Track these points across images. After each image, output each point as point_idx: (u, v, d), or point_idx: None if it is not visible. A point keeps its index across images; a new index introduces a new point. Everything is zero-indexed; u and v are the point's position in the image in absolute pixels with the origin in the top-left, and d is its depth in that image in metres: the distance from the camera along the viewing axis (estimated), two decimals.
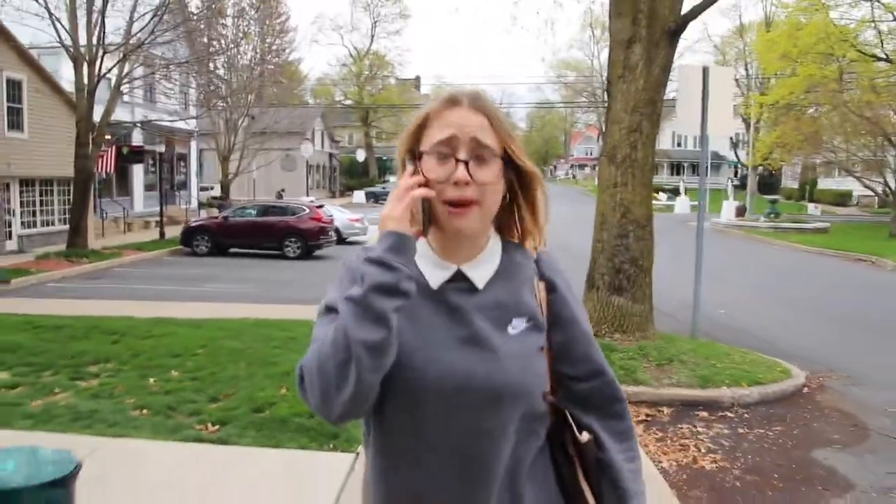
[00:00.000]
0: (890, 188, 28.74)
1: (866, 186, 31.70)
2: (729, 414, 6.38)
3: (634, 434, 1.58)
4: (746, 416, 6.35)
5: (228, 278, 16.26)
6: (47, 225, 23.26)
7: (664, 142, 76.75)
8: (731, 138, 62.24)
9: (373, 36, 65.55)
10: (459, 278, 1.44)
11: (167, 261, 20.48)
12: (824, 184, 51.26)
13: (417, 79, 77.89)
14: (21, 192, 21.95)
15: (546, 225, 1.51)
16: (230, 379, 6.63)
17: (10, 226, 21.31)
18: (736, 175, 61.12)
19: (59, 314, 10.08)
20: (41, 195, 22.99)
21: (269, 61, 33.58)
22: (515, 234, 1.52)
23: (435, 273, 1.44)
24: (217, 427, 5.37)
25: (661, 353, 7.36)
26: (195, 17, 23.55)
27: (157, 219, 27.54)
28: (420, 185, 1.36)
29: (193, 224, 23.00)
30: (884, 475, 5.11)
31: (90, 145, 19.68)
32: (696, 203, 35.34)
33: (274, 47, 35.14)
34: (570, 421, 1.50)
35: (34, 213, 22.74)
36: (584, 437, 1.49)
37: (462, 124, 1.38)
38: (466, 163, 1.36)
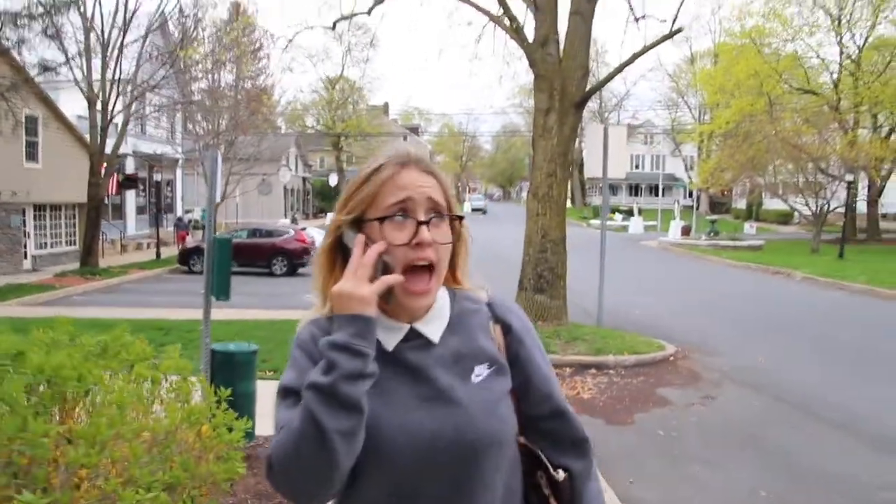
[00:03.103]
0: (811, 209, 32.10)
1: (792, 208, 35.12)
2: (611, 371, 9.36)
3: (595, 472, 1.60)
4: (622, 372, 9.34)
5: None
6: (56, 246, 25.84)
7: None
8: (684, 162, 66.30)
9: (343, 65, 68.54)
10: (414, 336, 1.42)
11: (168, 278, 23.12)
12: (770, 204, 54.96)
13: (386, 105, 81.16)
14: (35, 217, 24.56)
15: (467, 269, 1.53)
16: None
17: (25, 247, 23.88)
18: (690, 196, 64.42)
19: (113, 317, 12.83)
20: (52, 219, 25.59)
21: (244, 87, 35.88)
22: (449, 279, 1.50)
23: (388, 335, 1.41)
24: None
25: (569, 333, 10.40)
26: (177, 54, 26.21)
27: (149, 240, 30.26)
28: (384, 252, 1.35)
29: (190, 246, 25.71)
30: (695, 398, 8.12)
31: (102, 175, 22.41)
32: (650, 223, 38.56)
33: (248, 73, 37.44)
34: (545, 461, 1.51)
35: (45, 236, 25.32)
36: (560, 475, 1.51)
37: (416, 185, 1.37)
38: (427, 223, 1.35)
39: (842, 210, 31.05)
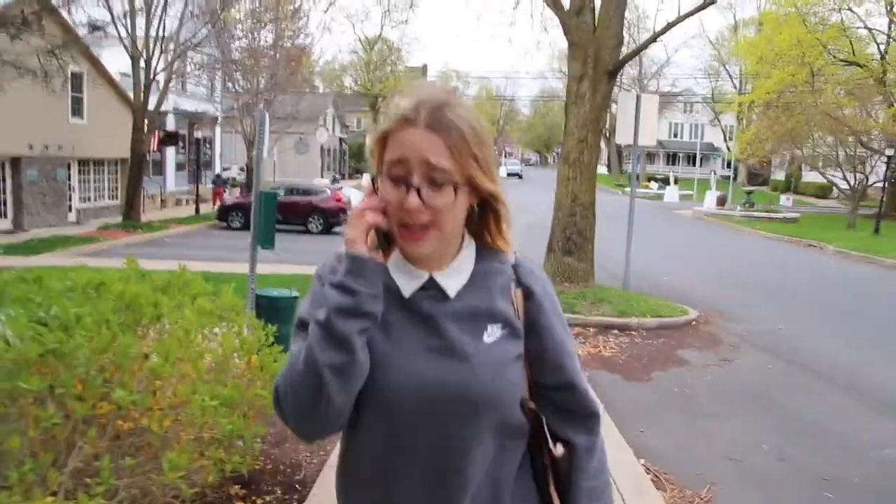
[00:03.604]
0: (849, 183, 31.83)
1: (830, 182, 34.79)
2: (633, 333, 9.69)
3: (602, 449, 1.60)
4: (644, 334, 9.67)
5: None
6: (99, 200, 26.61)
7: (662, 132, 79.67)
8: (724, 132, 65.58)
9: (382, 25, 68.60)
10: (432, 286, 1.43)
11: (208, 233, 23.75)
12: (808, 177, 54.36)
13: (424, 67, 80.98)
14: (79, 171, 25.30)
15: (509, 236, 1.49)
16: None
17: (70, 200, 24.65)
18: (729, 166, 63.77)
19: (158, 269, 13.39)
20: (95, 174, 26.32)
21: (283, 45, 36.23)
22: (487, 240, 1.49)
23: (407, 282, 1.43)
24: None
25: (595, 295, 10.72)
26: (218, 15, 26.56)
27: (188, 196, 30.96)
28: (377, 209, 1.35)
29: (229, 202, 26.31)
30: (712, 360, 8.45)
31: (144, 131, 23.01)
32: (686, 192, 38.45)
33: (288, 32, 37.77)
34: (546, 432, 1.51)
35: (89, 190, 26.08)
36: (559, 450, 1.52)
37: (415, 146, 1.33)
38: (419, 189, 1.33)
39: (881, 185, 30.77)
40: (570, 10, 10.96)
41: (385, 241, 1.39)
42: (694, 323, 10.43)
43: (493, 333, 1.42)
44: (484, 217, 1.46)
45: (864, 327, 10.76)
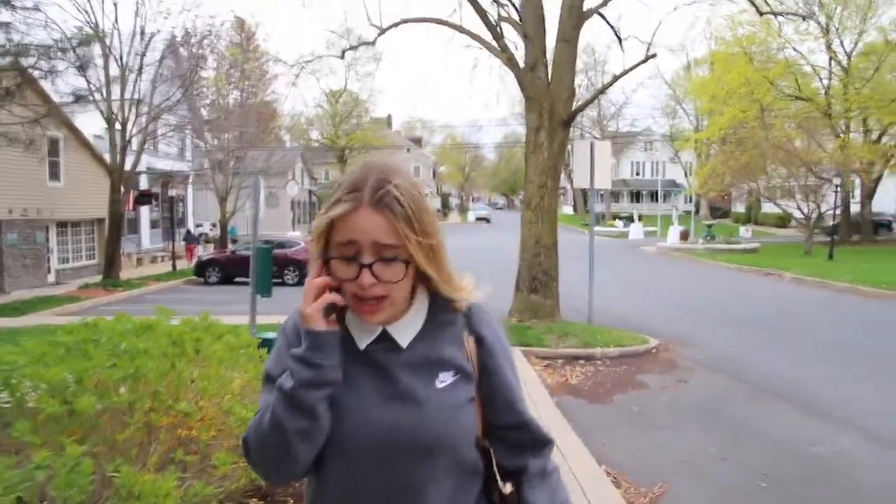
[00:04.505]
0: (802, 212, 33.16)
1: (785, 212, 36.14)
2: (597, 362, 10.47)
3: (558, 473, 1.67)
4: (608, 362, 10.45)
5: (245, 301, 20.15)
6: (77, 260, 27.06)
7: (624, 171, 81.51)
8: (684, 168, 67.36)
9: (346, 79, 69.93)
10: (385, 339, 1.50)
11: (186, 289, 24.24)
12: (767, 208, 55.96)
13: (389, 117, 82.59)
14: (57, 233, 25.78)
15: (456, 285, 1.54)
16: None
17: (49, 261, 25.09)
18: (690, 201, 65.20)
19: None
20: (73, 235, 26.81)
21: (252, 103, 36.94)
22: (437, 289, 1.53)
23: (361, 335, 1.51)
24: None
25: (562, 329, 11.52)
26: (190, 78, 27.36)
27: (162, 253, 31.51)
28: (329, 286, 1.44)
29: (205, 258, 26.88)
30: (669, 382, 9.23)
31: (122, 192, 23.65)
32: (651, 229, 39.41)
33: (254, 89, 38.46)
34: (495, 470, 1.59)
35: (67, 251, 26.54)
36: (507, 488, 1.60)
37: (362, 228, 1.40)
38: (370, 266, 1.40)
39: (831, 213, 32.13)
40: (525, 68, 11.94)
41: (336, 310, 1.46)
42: (654, 351, 11.22)
43: (444, 379, 1.50)
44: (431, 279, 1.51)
45: (810, 346, 11.62)
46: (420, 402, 1.47)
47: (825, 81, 38.71)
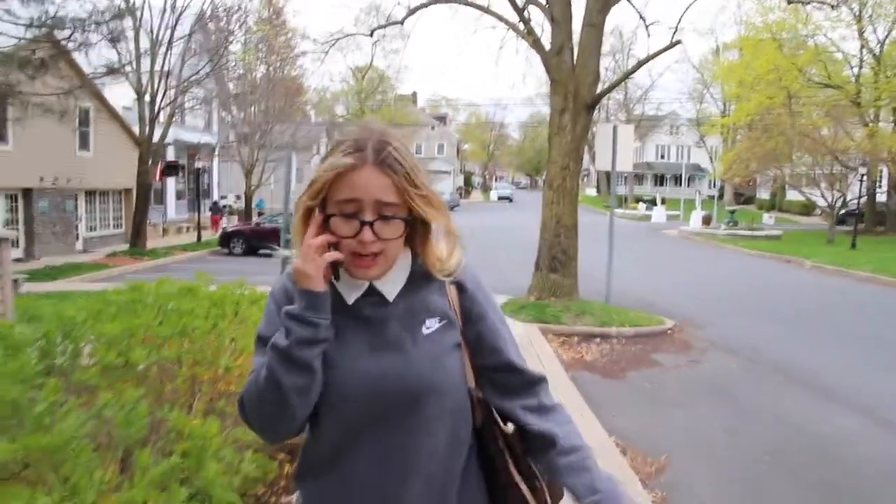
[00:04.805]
0: (827, 201, 33.04)
1: (808, 199, 35.99)
2: (613, 340, 10.70)
3: (558, 408, 1.69)
4: (623, 341, 10.68)
5: (270, 272, 20.57)
6: (105, 229, 27.61)
7: (649, 154, 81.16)
8: (709, 153, 67.01)
9: (373, 55, 69.93)
10: (372, 293, 1.56)
11: (210, 259, 24.70)
12: (792, 195, 55.62)
13: (414, 94, 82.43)
14: (86, 202, 26.31)
15: (450, 258, 1.60)
16: None
17: (77, 229, 25.63)
18: (714, 186, 64.85)
19: None
20: (101, 204, 27.34)
21: (279, 76, 37.15)
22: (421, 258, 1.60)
23: (349, 291, 1.55)
24: None
25: (579, 308, 11.75)
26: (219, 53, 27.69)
27: (187, 224, 32.01)
28: (329, 244, 1.47)
29: (230, 229, 27.33)
30: (682, 361, 9.45)
31: (150, 163, 24.08)
32: (674, 213, 39.28)
33: (282, 64, 38.61)
34: (495, 414, 1.64)
35: (94, 220, 27.08)
36: (510, 427, 1.65)
37: (367, 186, 1.44)
38: (372, 224, 1.45)
39: (861, 202, 31.98)
40: (551, 51, 12.11)
41: (334, 269, 1.50)
42: (669, 332, 11.43)
43: (430, 326, 1.56)
44: (417, 234, 1.58)
45: (825, 333, 11.77)
46: (407, 350, 1.52)
47: (855, 70, 38.32)
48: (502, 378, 1.64)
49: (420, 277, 1.59)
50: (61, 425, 2.19)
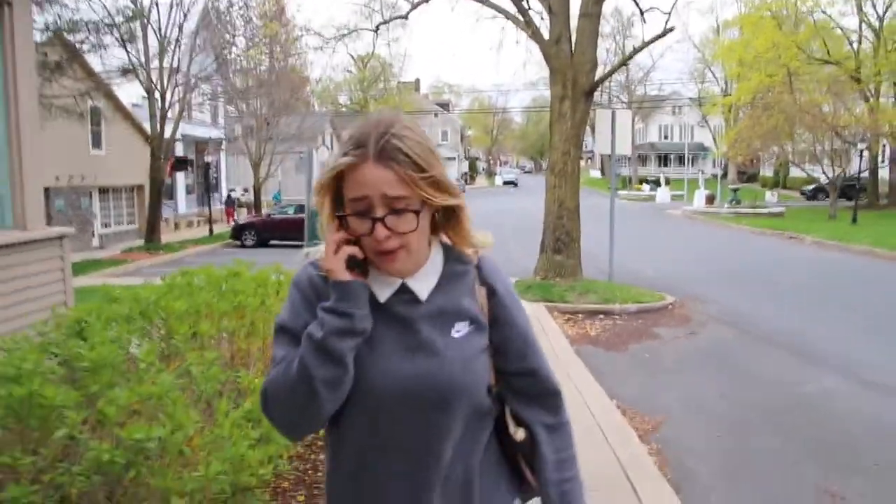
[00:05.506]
0: (828, 177, 33.45)
1: (809, 176, 36.40)
2: (616, 316, 11.27)
3: (567, 428, 1.71)
4: (625, 317, 11.25)
5: (285, 262, 21.16)
6: (119, 225, 28.23)
7: (652, 134, 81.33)
8: (712, 132, 67.23)
9: (374, 44, 70.15)
10: (405, 291, 1.54)
11: (224, 252, 25.17)
12: (796, 172, 55.89)
13: (417, 81, 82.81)
14: (100, 199, 26.93)
15: (472, 240, 1.61)
16: None
17: (93, 226, 26.26)
18: (717, 165, 65.05)
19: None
20: (114, 200, 27.96)
21: (285, 71, 37.48)
22: (451, 240, 1.61)
23: (381, 288, 1.54)
24: None
25: (583, 287, 12.33)
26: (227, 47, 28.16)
27: (198, 218, 32.63)
28: (346, 240, 1.47)
29: (242, 222, 27.92)
30: (681, 334, 10.03)
31: (162, 159, 24.68)
32: (677, 193, 39.57)
33: (285, 55, 38.84)
34: (507, 418, 1.67)
35: (109, 216, 27.71)
36: (520, 434, 1.66)
37: (370, 182, 1.43)
38: (383, 219, 1.44)
39: (864, 177, 32.29)
40: (550, 41, 12.63)
41: (358, 263, 1.50)
42: (670, 307, 11.98)
43: (460, 329, 1.55)
44: (448, 221, 1.58)
45: (818, 304, 12.32)
46: (439, 352, 1.51)
47: (855, 45, 38.58)
48: (523, 383, 1.66)
49: (452, 276, 1.59)
50: (161, 378, 2.77)
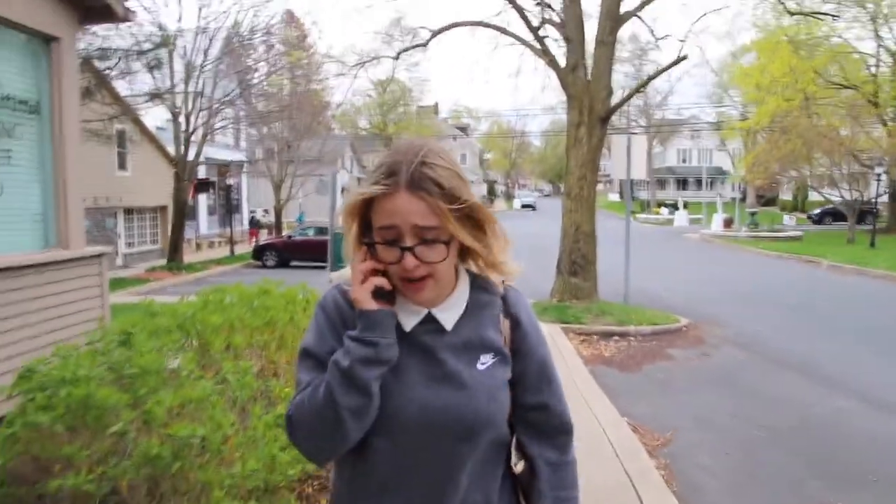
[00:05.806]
0: (845, 201, 33.46)
1: (827, 199, 36.39)
2: (630, 338, 11.46)
3: (571, 467, 1.71)
4: (640, 338, 11.43)
5: (306, 282, 21.50)
6: (142, 245, 28.76)
7: (670, 158, 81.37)
8: (730, 156, 67.25)
9: (394, 68, 70.88)
10: (430, 321, 1.54)
11: (245, 272, 25.57)
12: (815, 196, 55.74)
13: (436, 105, 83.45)
14: (125, 219, 27.48)
15: (503, 268, 1.59)
16: None
17: (117, 246, 26.77)
18: (737, 188, 65.01)
19: None
20: (138, 221, 28.51)
21: (306, 94, 38.02)
22: (479, 267, 1.60)
23: (407, 317, 1.54)
24: None
25: (599, 309, 12.54)
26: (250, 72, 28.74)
27: (219, 239, 33.12)
28: (374, 270, 1.47)
29: (263, 243, 28.35)
30: (694, 355, 10.20)
31: (185, 181, 25.19)
32: (696, 216, 39.68)
33: (306, 80, 39.41)
34: (511, 448, 1.65)
35: (133, 236, 28.24)
36: (519, 467, 1.66)
37: (401, 212, 1.42)
38: (412, 249, 1.43)
39: (883, 201, 32.24)
40: (566, 69, 12.95)
41: (385, 294, 1.49)
42: (684, 329, 12.15)
43: (485, 361, 1.55)
44: (479, 243, 1.53)
45: (832, 327, 12.45)
46: (465, 384, 1.51)
47: (872, 69, 38.67)
48: (535, 416, 1.66)
49: (477, 306, 1.59)
50: (201, 384, 3.04)
